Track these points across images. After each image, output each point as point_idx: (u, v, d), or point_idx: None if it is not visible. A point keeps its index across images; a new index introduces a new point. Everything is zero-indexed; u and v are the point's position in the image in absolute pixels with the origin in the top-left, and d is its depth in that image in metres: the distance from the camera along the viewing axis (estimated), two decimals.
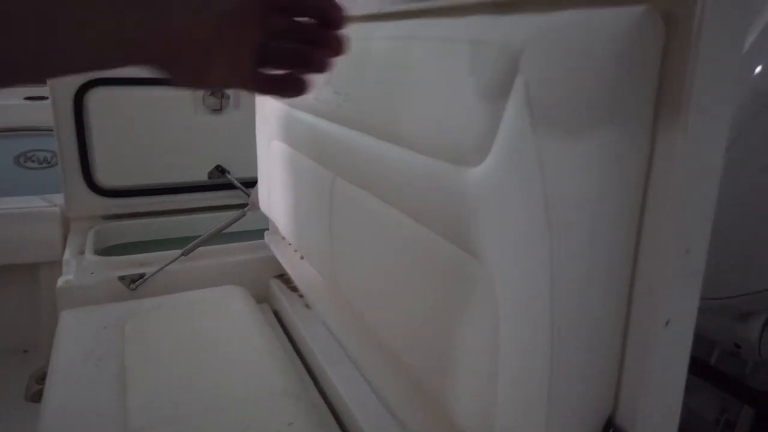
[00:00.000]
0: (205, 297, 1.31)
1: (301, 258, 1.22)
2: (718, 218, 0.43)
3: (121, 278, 1.33)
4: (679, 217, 0.42)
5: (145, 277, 1.33)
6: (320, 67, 0.44)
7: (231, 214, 1.75)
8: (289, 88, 0.45)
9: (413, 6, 0.66)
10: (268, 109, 1.23)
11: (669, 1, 0.38)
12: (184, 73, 0.40)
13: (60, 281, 1.29)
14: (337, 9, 0.43)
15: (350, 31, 0.44)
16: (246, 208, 1.43)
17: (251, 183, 1.51)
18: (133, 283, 1.33)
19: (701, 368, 1.32)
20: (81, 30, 0.35)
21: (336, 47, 0.44)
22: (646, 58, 0.39)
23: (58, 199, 1.69)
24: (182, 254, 1.37)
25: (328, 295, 1.06)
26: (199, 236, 1.42)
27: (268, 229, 1.43)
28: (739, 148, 0.90)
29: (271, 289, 1.46)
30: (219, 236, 1.47)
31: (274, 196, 1.26)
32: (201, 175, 1.76)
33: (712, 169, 0.41)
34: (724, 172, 0.42)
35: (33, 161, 2.27)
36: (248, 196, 1.75)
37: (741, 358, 1.30)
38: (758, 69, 0.91)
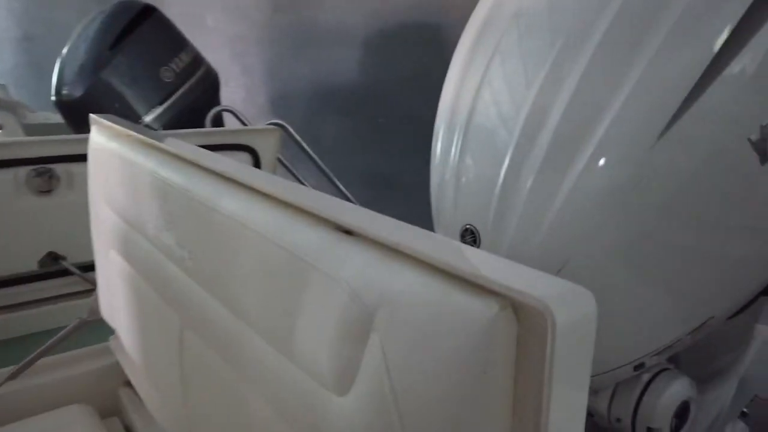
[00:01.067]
0: (38, 427, 1.14)
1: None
2: None
3: None
4: None
5: None
6: None
7: (70, 305, 1.58)
8: None
9: (262, 183, 0.61)
10: (102, 215, 1.11)
11: (522, 296, 0.37)
12: None
13: None
14: None
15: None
16: (86, 316, 1.28)
17: (93, 267, 1.35)
18: None
19: None
20: None
21: None
22: (499, 350, 0.37)
23: None
24: (9, 378, 1.19)
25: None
26: (34, 334, 1.23)
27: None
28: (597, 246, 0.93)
29: (121, 400, 1.32)
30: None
31: (116, 307, 1.14)
32: (30, 265, 1.56)
33: None
34: None
35: None
36: (90, 282, 1.58)
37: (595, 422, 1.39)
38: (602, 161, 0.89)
